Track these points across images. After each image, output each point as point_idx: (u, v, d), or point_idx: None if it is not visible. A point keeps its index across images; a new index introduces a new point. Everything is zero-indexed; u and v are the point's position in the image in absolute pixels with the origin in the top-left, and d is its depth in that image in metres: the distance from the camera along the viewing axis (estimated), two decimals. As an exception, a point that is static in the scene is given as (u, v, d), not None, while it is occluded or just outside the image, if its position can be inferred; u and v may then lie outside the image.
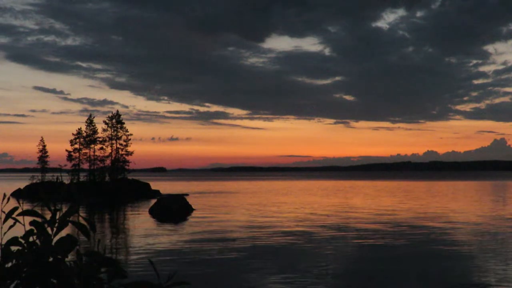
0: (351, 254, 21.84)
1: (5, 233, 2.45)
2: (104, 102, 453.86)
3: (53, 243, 2.29)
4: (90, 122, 79.99)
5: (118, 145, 79.33)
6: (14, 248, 2.31)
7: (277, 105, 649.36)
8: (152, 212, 43.77)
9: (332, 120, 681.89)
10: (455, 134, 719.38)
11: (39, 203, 2.59)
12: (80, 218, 2.46)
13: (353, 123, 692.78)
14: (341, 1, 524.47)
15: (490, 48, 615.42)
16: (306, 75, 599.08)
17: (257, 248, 23.30)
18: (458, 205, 49.12)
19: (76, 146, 79.38)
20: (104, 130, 79.54)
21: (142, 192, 75.64)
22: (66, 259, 2.30)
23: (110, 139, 79.28)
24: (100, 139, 79.39)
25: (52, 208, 2.37)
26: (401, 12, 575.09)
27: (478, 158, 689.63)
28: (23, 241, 2.31)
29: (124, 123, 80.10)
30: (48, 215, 2.38)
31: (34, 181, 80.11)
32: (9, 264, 2.24)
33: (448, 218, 36.86)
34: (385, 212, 41.59)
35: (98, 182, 76.49)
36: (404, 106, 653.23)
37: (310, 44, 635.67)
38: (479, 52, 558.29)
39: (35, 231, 2.32)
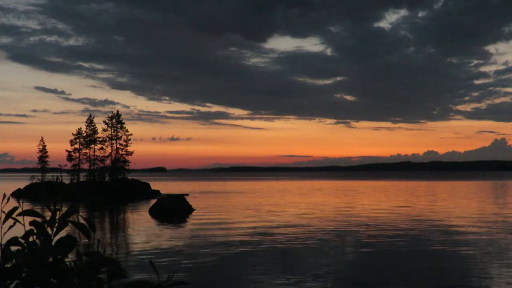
0: (353, 255, 21.83)
1: (5, 233, 2.45)
2: (105, 102, 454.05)
3: (53, 243, 2.29)
4: (90, 122, 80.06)
5: (118, 145, 79.41)
6: (14, 248, 2.31)
7: (278, 105, 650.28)
8: (152, 212, 43.75)
9: (333, 120, 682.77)
10: (455, 134, 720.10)
11: (39, 203, 2.59)
12: (80, 218, 2.46)
13: (354, 123, 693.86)
14: (343, 1, 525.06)
15: (491, 48, 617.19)
16: (307, 75, 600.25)
17: (257, 248, 23.27)
18: (458, 205, 49.09)
19: (76, 146, 79.46)
20: (104, 130, 79.63)
21: (142, 192, 75.64)
22: (66, 259, 2.30)
23: (110, 139, 79.33)
24: (100, 139, 79.48)
25: (52, 208, 2.37)
26: (403, 12, 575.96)
27: (479, 158, 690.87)
28: (23, 241, 2.31)
29: (124, 123, 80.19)
30: (48, 215, 2.38)
31: (34, 181, 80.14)
32: (9, 264, 2.24)
33: (449, 218, 36.85)
34: (386, 213, 41.58)
35: (98, 182, 76.49)
36: (405, 106, 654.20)
37: (312, 44, 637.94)
38: (480, 52, 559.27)
39: (35, 231, 2.32)
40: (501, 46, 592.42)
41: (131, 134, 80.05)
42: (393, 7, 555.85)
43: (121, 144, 79.42)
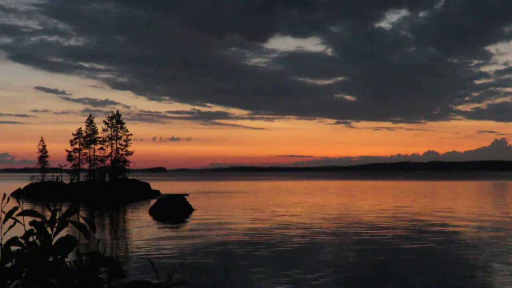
0: (354, 255, 21.82)
1: (5, 233, 2.45)
2: (106, 102, 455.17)
3: (53, 243, 2.29)
4: (90, 122, 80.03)
5: (118, 145, 79.36)
6: (14, 248, 2.31)
7: (278, 105, 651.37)
8: (152, 212, 43.74)
9: (333, 120, 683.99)
10: (456, 134, 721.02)
11: (39, 203, 2.60)
12: (80, 218, 2.46)
13: (354, 123, 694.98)
14: (343, 1, 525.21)
15: (491, 48, 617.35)
16: (308, 75, 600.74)
17: (257, 248, 23.27)
18: (459, 205, 49.09)
19: (76, 146, 79.43)
20: (104, 130, 79.59)
21: (142, 192, 75.62)
22: (66, 259, 2.30)
23: (110, 139, 79.28)
24: (100, 139, 79.44)
25: (52, 208, 2.37)
26: (403, 12, 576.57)
27: (479, 158, 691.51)
28: (23, 241, 2.31)
29: (124, 123, 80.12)
30: (48, 215, 2.39)
31: (34, 181, 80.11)
32: (9, 264, 2.24)
33: (449, 218, 36.84)
34: (387, 213, 41.57)
35: (98, 182, 76.49)
36: (405, 106, 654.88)
37: (313, 45, 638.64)
38: (481, 53, 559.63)
39: (35, 231, 2.32)
40: (501, 46, 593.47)
41: (131, 134, 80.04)
42: (394, 7, 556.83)
43: (121, 144, 79.39)
